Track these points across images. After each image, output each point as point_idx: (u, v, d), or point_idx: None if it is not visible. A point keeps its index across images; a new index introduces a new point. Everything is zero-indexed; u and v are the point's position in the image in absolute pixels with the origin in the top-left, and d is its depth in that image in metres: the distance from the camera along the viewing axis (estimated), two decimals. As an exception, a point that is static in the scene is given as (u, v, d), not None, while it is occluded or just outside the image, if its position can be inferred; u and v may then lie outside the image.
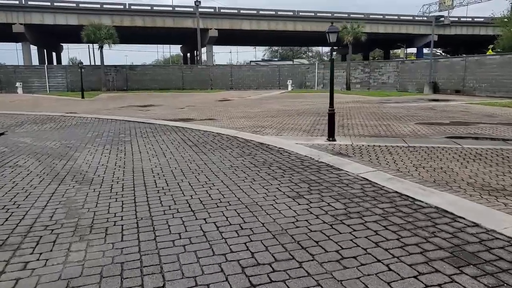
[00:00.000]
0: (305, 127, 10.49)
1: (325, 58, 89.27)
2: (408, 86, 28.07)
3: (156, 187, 5.07)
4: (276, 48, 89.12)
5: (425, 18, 56.24)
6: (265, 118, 13.01)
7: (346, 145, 7.69)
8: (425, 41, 55.05)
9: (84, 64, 28.10)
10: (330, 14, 48.48)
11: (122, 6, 43.79)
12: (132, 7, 43.43)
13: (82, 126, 11.98)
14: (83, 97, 24.23)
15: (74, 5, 41.63)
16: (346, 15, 48.89)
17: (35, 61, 47.10)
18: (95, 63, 58.62)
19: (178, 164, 6.36)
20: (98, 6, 42.80)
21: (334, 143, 7.75)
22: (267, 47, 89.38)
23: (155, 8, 44.10)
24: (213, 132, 9.74)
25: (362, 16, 49.02)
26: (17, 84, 32.01)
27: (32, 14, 40.24)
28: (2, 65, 33.98)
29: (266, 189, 4.81)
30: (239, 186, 4.97)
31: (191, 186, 5.06)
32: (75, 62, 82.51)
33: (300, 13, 47.58)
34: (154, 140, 8.89)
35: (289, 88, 32.82)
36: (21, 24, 39.81)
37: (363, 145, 7.61)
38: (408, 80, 27.99)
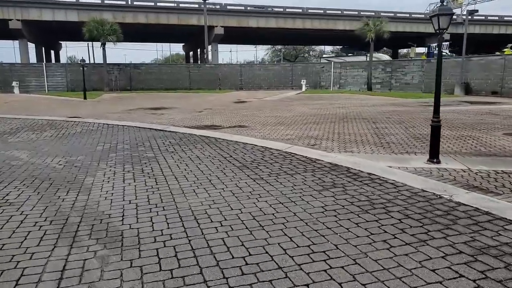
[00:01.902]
0: (370, 139, 8.53)
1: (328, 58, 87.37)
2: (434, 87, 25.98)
3: (232, 256, 3.10)
4: (279, 47, 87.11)
5: (437, 16, 54.32)
6: (306, 125, 11.05)
7: (461, 170, 5.64)
8: (436, 40, 53.27)
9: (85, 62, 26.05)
10: (339, 12, 46.62)
11: (124, 2, 41.78)
12: (135, 3, 41.42)
13: (89, 134, 10.00)
14: (85, 97, 22.21)
15: (74, 0, 39.61)
16: (356, 13, 47.03)
17: (32, 59, 45.01)
18: (94, 61, 56.50)
19: (240, 201, 4.40)
20: (100, 1, 40.76)
21: (442, 167, 5.73)
22: (269, 47, 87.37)
23: (159, 4, 42.08)
24: (256, 145, 7.78)
25: (373, 14, 47.12)
26: (14, 83, 29.90)
27: (29, 9, 38.18)
28: (-3, 63, 31.82)
29: (437, 273, 2.86)
30: (379, 263, 3.02)
31: (293, 259, 3.07)
32: (74, 60, 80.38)
33: (309, 10, 45.67)
34: (186, 157, 6.92)
35: (303, 88, 30.87)
36: (18, 20, 37.73)
37: (486, 171, 5.58)
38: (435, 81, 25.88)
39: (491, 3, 79.07)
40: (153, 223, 3.84)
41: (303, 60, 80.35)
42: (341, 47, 72.86)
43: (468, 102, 18.68)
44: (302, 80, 31.38)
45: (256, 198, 4.48)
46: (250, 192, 4.74)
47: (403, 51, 78.25)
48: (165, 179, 5.50)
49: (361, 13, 46.34)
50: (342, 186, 4.83)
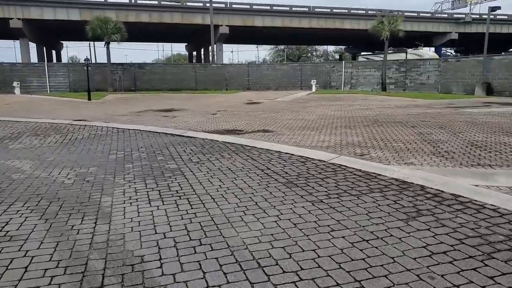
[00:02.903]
0: (423, 147, 7.48)
1: (332, 57, 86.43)
2: (452, 87, 25.08)
3: None
4: (281, 47, 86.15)
5: (445, 15, 53.48)
6: (337, 129, 10.03)
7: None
8: (444, 40, 52.21)
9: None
10: (346, 11, 45.67)
11: (127, 0, 40.90)
12: (139, 1, 40.50)
13: (98, 140, 9.01)
14: (89, 98, 21.19)
15: (76, -1, 38.69)
16: (364, 12, 46.13)
17: (34, 59, 44.09)
18: (96, 61, 55.49)
19: (308, 237, 3.38)
20: (103, 0, 39.84)
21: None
22: (272, 47, 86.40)
23: (163, 2, 41.16)
24: (293, 154, 6.77)
25: (381, 12, 46.09)
26: (14, 83, 28.91)
27: (30, 8, 37.29)
28: (-3, 63, 30.85)
29: None
30: None
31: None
32: (75, 60, 79.42)
33: (316, 9, 44.70)
34: (216, 169, 5.92)
35: (313, 88, 29.84)
36: (19, 19, 36.85)
37: None
38: (453, 81, 24.99)
39: (497, 2, 77.91)
40: (204, 272, 2.83)
41: (306, 60, 79.37)
42: (345, 47, 71.86)
43: (496, 103, 17.66)
44: (312, 80, 30.34)
45: (329, 233, 3.46)
46: (315, 222, 3.73)
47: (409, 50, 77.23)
48: (200, 200, 4.49)
49: (369, 11, 45.39)
50: (431, 214, 3.81)
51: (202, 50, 54.97)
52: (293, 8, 43.79)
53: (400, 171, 5.26)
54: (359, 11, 45.68)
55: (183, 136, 9.20)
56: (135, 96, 25.79)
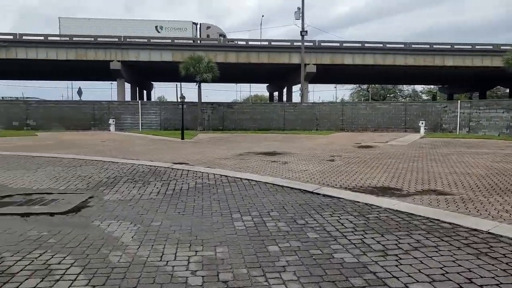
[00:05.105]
0: None
1: (423, 96, 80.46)
2: None
3: None
4: (364, 86, 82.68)
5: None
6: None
7: None
8: None
9: (175, 101, 24.57)
10: (449, 46, 41.48)
11: (216, 42, 41.65)
12: (227, 43, 41.02)
13: (208, 192, 7.01)
14: (183, 137, 20.18)
15: (169, 41, 40.30)
16: (470, 47, 41.54)
17: (127, 98, 46.40)
18: (178, 101, 57.34)
19: None
20: (193, 42, 41.00)
21: None
22: (354, 86, 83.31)
23: (250, 43, 41.18)
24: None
25: (491, 47, 41.15)
26: (110, 120, 29.72)
27: (129, 51, 39.55)
28: (97, 101, 32.28)
29: None
30: None
31: None
32: (162, 100, 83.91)
33: (413, 46, 41.30)
34: (438, 275, 3.33)
35: (422, 131, 26.14)
36: (118, 61, 39.10)
37: None
38: None
39: None
40: None
41: (391, 100, 74.74)
42: (439, 86, 66.30)
43: None
44: (420, 122, 26.67)
45: None
46: None
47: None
48: None
49: (476, 47, 40.85)
50: None
51: (285, 90, 53.98)
52: (387, 45, 40.94)
53: None
54: (465, 47, 41.24)
55: (319, 194, 6.80)
56: (226, 136, 24.50)
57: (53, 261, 3.87)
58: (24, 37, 38.29)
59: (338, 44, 41.42)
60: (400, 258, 3.82)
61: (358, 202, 6.14)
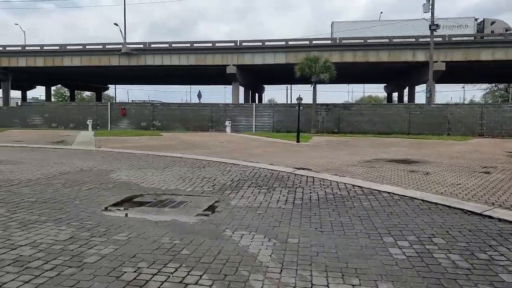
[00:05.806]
0: None
1: None
2: None
3: None
4: (501, 86, 71.81)
5: None
6: None
7: None
8: None
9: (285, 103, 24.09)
10: None
11: (330, 41, 40.33)
12: (344, 41, 39.33)
13: (343, 206, 6.05)
14: (298, 140, 19.55)
15: (284, 43, 40.31)
16: None
17: (241, 101, 48.03)
18: (291, 102, 57.20)
19: None
20: (307, 42, 40.35)
21: None
22: (488, 86, 72.84)
23: (368, 41, 38.77)
24: None
25: None
26: (226, 122, 30.88)
27: (244, 55, 40.70)
28: (214, 104, 33.92)
29: None
30: None
31: None
32: (273, 102, 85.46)
33: None
34: None
35: None
36: (234, 65, 40.58)
37: None
38: None
39: None
40: None
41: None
42: None
43: None
44: None
45: None
46: None
47: None
48: None
49: None
50: None
51: (407, 90, 49.64)
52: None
53: None
54: None
55: (491, 217, 5.30)
56: (344, 139, 23.09)
57: (190, 279, 3.38)
58: (152, 45, 42.45)
59: (472, 38, 36.39)
60: None
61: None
